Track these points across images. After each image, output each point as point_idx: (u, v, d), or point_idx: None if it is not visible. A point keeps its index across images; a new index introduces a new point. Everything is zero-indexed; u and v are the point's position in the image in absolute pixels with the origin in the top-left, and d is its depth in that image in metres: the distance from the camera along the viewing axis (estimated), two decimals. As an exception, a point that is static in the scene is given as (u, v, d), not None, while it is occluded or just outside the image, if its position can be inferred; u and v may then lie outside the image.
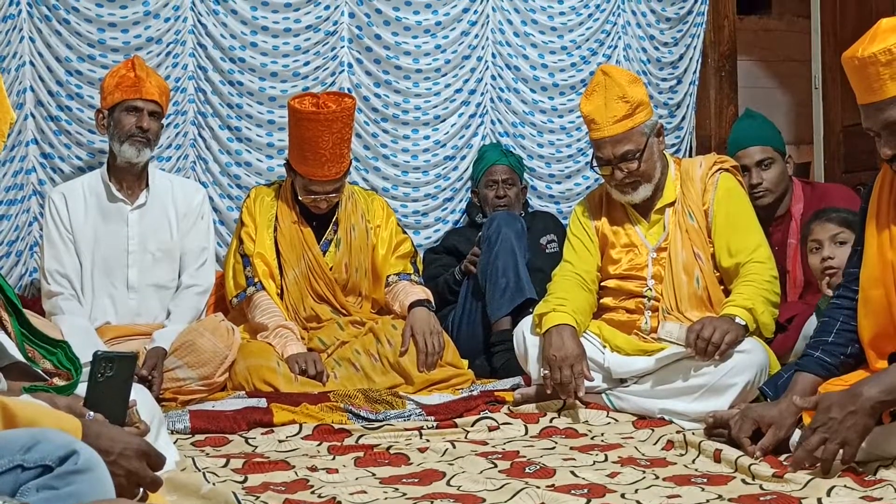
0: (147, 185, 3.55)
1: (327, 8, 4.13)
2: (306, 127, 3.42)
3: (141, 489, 1.63)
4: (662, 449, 2.60)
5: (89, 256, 3.47)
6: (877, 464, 2.21)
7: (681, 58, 4.62)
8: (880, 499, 2.03)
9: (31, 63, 3.83)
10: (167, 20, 3.95)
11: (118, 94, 3.45)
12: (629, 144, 3.06)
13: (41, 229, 3.64)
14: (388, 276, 3.67)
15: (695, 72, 4.68)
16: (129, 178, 3.52)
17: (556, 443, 2.70)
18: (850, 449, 2.16)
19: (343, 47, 4.18)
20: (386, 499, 2.13)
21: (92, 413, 1.72)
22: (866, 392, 2.15)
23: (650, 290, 3.10)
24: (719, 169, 3.16)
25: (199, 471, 2.34)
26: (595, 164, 3.16)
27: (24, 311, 2.17)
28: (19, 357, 2.04)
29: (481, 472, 2.35)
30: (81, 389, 1.92)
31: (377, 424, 2.86)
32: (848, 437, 2.15)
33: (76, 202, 3.49)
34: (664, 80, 4.59)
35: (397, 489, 2.21)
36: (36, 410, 1.54)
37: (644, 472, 2.33)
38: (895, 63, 2.19)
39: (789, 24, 6.26)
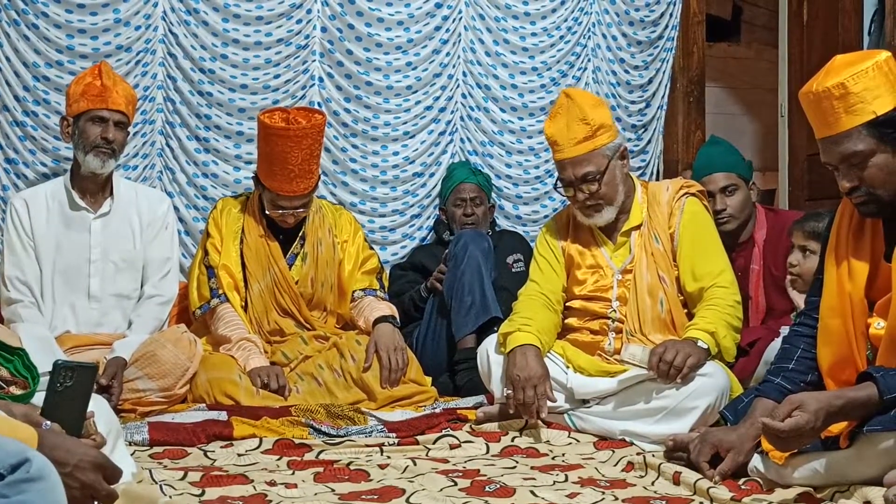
0: (111, 193, 3.52)
1: (299, 22, 4.12)
2: (275, 142, 3.41)
3: (96, 502, 1.61)
4: (622, 470, 2.60)
5: (50, 264, 3.43)
6: (833, 489, 2.23)
7: (650, 81, 4.66)
8: (837, 525, 2.05)
9: (-2, 68, 3.80)
10: (137, 28, 3.93)
11: (84, 102, 3.41)
12: (589, 166, 3.08)
13: (2, 235, 3.59)
14: (353, 292, 3.66)
15: (663, 96, 4.72)
16: (92, 187, 3.49)
17: (517, 462, 2.70)
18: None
19: (314, 61, 4.18)
20: (345, 515, 2.12)
21: (49, 423, 1.70)
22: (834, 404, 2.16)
23: (614, 311, 3.11)
24: (686, 193, 3.18)
25: (157, 483, 2.32)
26: (559, 185, 3.19)
27: (-18, 317, 2.15)
28: (-25, 364, 2.02)
29: (441, 489, 2.35)
30: (38, 398, 1.90)
31: (338, 440, 2.85)
32: (808, 441, 2.17)
33: (38, 209, 3.45)
34: (633, 102, 4.63)
35: (356, 505, 2.20)
36: (-9, 419, 1.52)
37: (604, 493, 2.34)
38: (848, 97, 2.23)
39: (757, 53, 6.35)
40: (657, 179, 4.60)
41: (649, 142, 4.69)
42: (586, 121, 3.07)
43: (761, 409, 2.42)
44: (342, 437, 2.89)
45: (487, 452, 2.81)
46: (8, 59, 3.79)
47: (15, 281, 3.40)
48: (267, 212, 3.55)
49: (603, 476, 2.54)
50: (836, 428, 2.20)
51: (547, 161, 4.44)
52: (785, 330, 2.75)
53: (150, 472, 2.42)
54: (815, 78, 2.32)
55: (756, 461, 2.39)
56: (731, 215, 3.56)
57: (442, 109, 4.36)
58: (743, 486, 2.33)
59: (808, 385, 2.43)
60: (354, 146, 4.25)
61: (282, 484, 2.38)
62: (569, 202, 3.24)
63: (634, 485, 2.44)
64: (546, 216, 4.40)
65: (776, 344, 2.89)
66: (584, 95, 3.22)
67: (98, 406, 2.08)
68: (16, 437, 1.47)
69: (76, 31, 3.84)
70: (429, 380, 3.54)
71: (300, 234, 3.63)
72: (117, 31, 3.90)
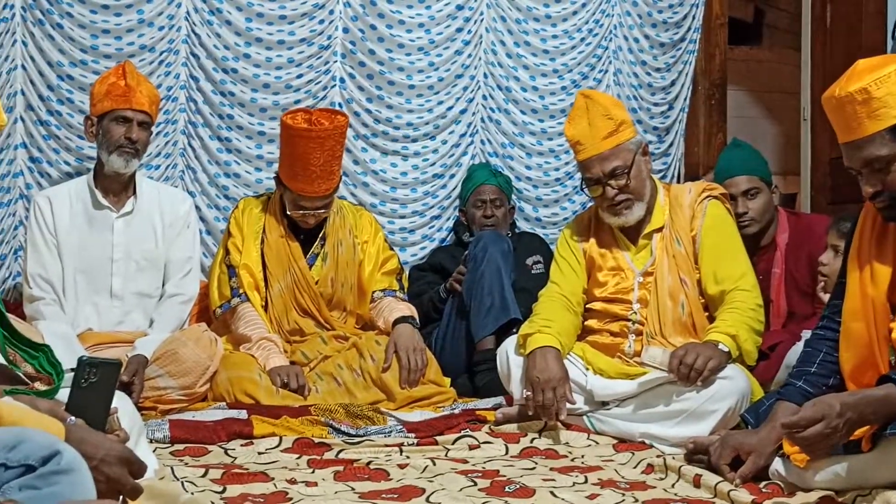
0: (134, 193, 3.54)
1: (322, 22, 4.14)
2: (297, 143, 3.42)
3: (121, 496, 1.62)
4: (642, 472, 2.60)
5: (73, 263, 3.45)
6: (854, 493, 2.22)
7: (672, 83, 4.65)
8: (858, 529, 2.04)
9: (23, 67, 3.82)
10: (161, 28, 3.95)
11: (108, 102, 3.43)
12: (617, 161, 3.08)
13: (26, 233, 3.62)
14: (373, 292, 3.67)
15: (685, 98, 4.71)
16: (115, 186, 3.51)
17: (536, 463, 2.70)
18: (824, 453, 2.20)
19: (336, 62, 4.19)
20: (365, 514, 2.13)
21: (74, 418, 1.71)
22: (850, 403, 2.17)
23: (635, 313, 3.11)
24: (708, 196, 3.18)
25: (178, 480, 2.34)
26: (585, 186, 3.18)
27: (7, 314, 2.16)
28: (0, 359, 2.03)
29: (461, 489, 2.35)
30: (62, 395, 1.91)
31: (357, 439, 2.86)
32: (833, 441, 2.17)
33: (61, 207, 3.47)
34: (655, 105, 4.62)
35: (376, 504, 2.21)
36: (21, 412, 1.53)
37: (624, 494, 2.34)
38: (871, 102, 2.22)
39: (779, 56, 6.32)
40: (679, 182, 4.59)
41: (671, 144, 4.68)
42: (609, 116, 3.08)
43: (782, 413, 2.42)
44: (361, 436, 2.90)
45: (507, 453, 2.82)
46: (32, 58, 3.82)
47: (37, 278, 3.42)
48: (288, 212, 3.56)
49: (623, 478, 2.54)
50: (859, 431, 2.19)
51: (567, 163, 4.44)
52: (807, 334, 2.74)
53: (172, 469, 2.44)
54: (837, 82, 2.31)
55: (777, 464, 2.38)
56: (752, 219, 3.54)
57: (463, 111, 4.36)
58: (764, 490, 2.33)
59: (830, 388, 2.42)
60: (375, 147, 4.26)
61: (302, 482, 2.39)
62: (594, 203, 3.23)
63: (654, 487, 2.44)
64: (566, 218, 4.39)
65: (797, 348, 2.88)
66: (602, 95, 3.27)
67: (121, 403, 2.09)
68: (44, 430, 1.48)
69: (100, 31, 3.87)
70: (448, 381, 3.54)
71: (321, 235, 3.64)
72: (141, 32, 3.92)
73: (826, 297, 2.97)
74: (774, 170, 4.09)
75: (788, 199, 5.45)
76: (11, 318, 2.22)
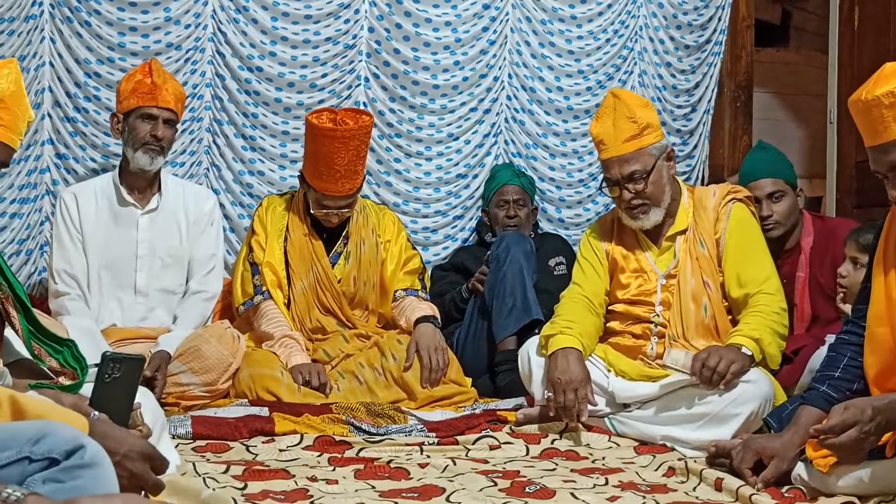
0: (159, 190, 3.56)
1: (347, 21, 4.15)
2: (322, 142, 3.43)
3: (143, 492, 1.63)
4: (663, 475, 2.59)
5: (97, 259, 3.48)
6: (878, 499, 2.20)
7: (697, 86, 4.63)
8: (881, 535, 2.03)
9: (51, 63, 3.85)
10: (187, 27, 3.97)
11: (134, 100, 3.46)
12: (636, 164, 3.07)
13: (52, 229, 3.65)
14: (395, 291, 3.67)
15: (710, 100, 4.68)
16: (140, 183, 3.54)
17: (557, 464, 2.70)
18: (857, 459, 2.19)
19: (361, 61, 4.19)
20: (385, 512, 2.13)
21: (97, 413, 1.72)
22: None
23: (658, 316, 3.10)
24: (732, 199, 3.16)
25: (200, 476, 2.35)
26: (604, 186, 3.17)
27: (32, 309, 2.18)
28: (25, 354, 2.05)
29: (481, 489, 2.35)
30: (86, 390, 1.93)
31: (378, 438, 2.86)
32: (866, 443, 2.16)
33: (87, 204, 3.50)
34: (679, 107, 4.59)
35: (397, 503, 2.21)
36: (45, 406, 1.54)
37: (644, 497, 2.33)
38: None
39: (806, 58, 6.27)
40: (703, 184, 4.56)
41: (695, 146, 4.66)
42: (634, 119, 3.07)
43: (806, 417, 2.41)
44: (382, 435, 2.90)
45: (527, 454, 2.82)
46: (60, 55, 3.85)
47: (63, 274, 3.45)
48: (312, 211, 3.57)
49: (644, 480, 2.53)
50: (884, 437, 2.18)
51: (591, 164, 4.43)
52: (831, 338, 2.72)
53: (194, 464, 2.46)
54: (864, 86, 2.30)
55: (800, 469, 2.37)
56: (777, 222, 3.52)
57: (487, 111, 4.36)
58: (786, 494, 2.32)
59: (855, 393, 2.40)
60: (399, 147, 4.26)
61: (323, 480, 2.40)
62: (614, 205, 3.23)
63: (675, 490, 2.43)
64: (589, 220, 4.38)
65: (821, 352, 2.86)
66: (632, 96, 3.23)
67: (144, 399, 2.11)
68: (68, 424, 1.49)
69: (127, 28, 3.89)
70: (469, 380, 3.54)
71: (344, 234, 3.65)
72: (168, 29, 3.94)
73: (846, 308, 2.95)
74: (800, 173, 4.06)
75: (814, 202, 5.40)
76: (37, 312, 2.24)
